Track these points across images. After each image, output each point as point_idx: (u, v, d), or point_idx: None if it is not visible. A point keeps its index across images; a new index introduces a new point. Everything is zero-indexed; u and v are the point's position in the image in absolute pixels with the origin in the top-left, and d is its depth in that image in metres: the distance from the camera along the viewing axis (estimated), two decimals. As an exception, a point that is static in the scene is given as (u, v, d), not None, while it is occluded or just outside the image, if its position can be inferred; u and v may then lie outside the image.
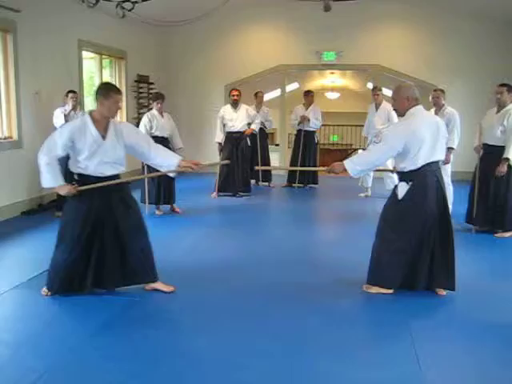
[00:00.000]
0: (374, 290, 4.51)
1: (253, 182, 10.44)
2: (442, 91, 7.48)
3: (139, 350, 3.48)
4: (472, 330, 3.83)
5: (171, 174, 4.72)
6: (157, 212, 7.59)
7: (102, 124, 4.24)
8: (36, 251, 5.80)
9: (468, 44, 11.25)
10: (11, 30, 7.29)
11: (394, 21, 11.51)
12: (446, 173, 7.48)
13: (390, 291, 4.46)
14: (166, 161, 4.43)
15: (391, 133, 4.41)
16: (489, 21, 10.93)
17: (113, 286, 4.41)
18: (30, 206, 7.72)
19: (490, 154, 6.49)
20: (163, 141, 7.62)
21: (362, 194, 9.33)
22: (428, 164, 4.28)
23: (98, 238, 4.27)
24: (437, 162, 4.38)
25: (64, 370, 3.21)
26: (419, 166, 4.26)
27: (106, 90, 4.25)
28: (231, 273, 5.07)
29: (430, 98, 7.60)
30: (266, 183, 10.44)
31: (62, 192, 4.23)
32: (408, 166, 4.28)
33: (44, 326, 3.86)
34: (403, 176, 4.36)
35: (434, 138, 4.30)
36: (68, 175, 4.38)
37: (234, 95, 9.03)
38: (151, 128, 7.47)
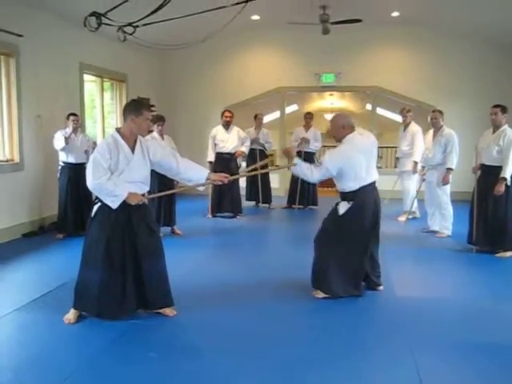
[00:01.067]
0: (321, 294, 4.87)
1: (253, 203, 10.48)
2: (441, 112, 7.55)
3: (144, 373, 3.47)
4: (462, 349, 3.82)
5: (200, 188, 4.67)
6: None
7: (131, 142, 4.16)
8: (37, 273, 5.81)
9: (467, 66, 11.37)
10: (14, 54, 7.38)
11: (393, 43, 11.65)
12: (445, 193, 7.54)
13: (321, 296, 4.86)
14: (196, 174, 4.39)
15: (329, 157, 4.73)
16: (488, 43, 11.06)
17: (132, 311, 4.29)
18: (30, 228, 7.73)
19: (488, 174, 6.53)
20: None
21: (403, 218, 8.87)
22: (365, 186, 4.72)
23: (121, 259, 4.16)
24: (373, 183, 4.83)
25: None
26: (358, 187, 4.69)
27: (138, 107, 4.17)
28: (233, 294, 5.06)
29: (429, 118, 7.67)
30: (267, 205, 10.46)
31: (134, 200, 4.08)
32: (347, 187, 4.72)
33: (46, 349, 3.82)
34: (344, 196, 4.80)
35: (368, 161, 4.76)
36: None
37: (226, 116, 9.14)
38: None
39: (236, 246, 7.24)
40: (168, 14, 7.08)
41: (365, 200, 4.74)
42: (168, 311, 4.41)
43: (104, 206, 4.10)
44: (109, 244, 4.12)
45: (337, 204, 4.87)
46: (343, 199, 4.81)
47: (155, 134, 7.63)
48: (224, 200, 9.14)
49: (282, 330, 4.22)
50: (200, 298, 4.92)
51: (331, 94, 16.26)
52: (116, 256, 4.14)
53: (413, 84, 11.55)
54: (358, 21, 9.09)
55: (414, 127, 8.69)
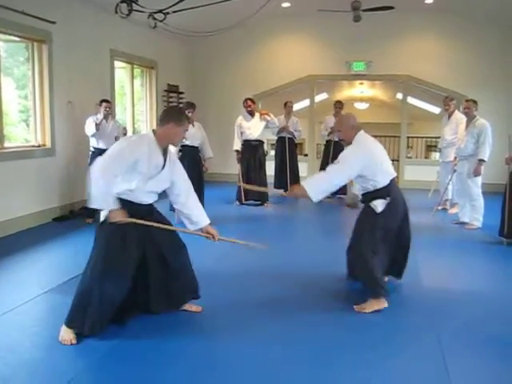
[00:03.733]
0: (369, 308, 4.38)
1: (281, 191, 10.46)
2: (474, 102, 7.37)
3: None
4: (493, 344, 3.76)
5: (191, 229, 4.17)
6: (185, 220, 7.62)
7: (162, 149, 3.87)
8: (67, 256, 5.92)
9: (499, 54, 11.10)
10: (46, 41, 7.48)
11: (425, 31, 11.44)
12: (477, 184, 7.41)
13: (386, 304, 4.40)
14: (200, 216, 4.11)
15: (351, 155, 4.42)
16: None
17: (158, 309, 4.10)
18: (61, 213, 7.86)
19: None
20: (193, 150, 7.72)
21: (439, 207, 8.66)
22: (393, 179, 4.53)
23: (140, 261, 3.91)
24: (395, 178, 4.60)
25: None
26: (389, 181, 4.46)
27: (181, 116, 3.92)
28: (256, 282, 5.09)
29: (461, 108, 7.50)
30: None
31: (117, 219, 3.67)
32: (380, 183, 4.43)
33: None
34: (378, 193, 4.45)
35: (386, 156, 4.58)
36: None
37: (248, 106, 9.10)
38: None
39: (263, 234, 7.25)
40: (198, 0, 7.09)
41: (397, 194, 4.53)
42: (194, 308, 4.28)
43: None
44: (124, 249, 3.79)
45: (367, 204, 4.53)
46: (377, 197, 4.45)
47: (185, 121, 7.64)
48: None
49: (307, 319, 4.23)
50: (228, 286, 4.95)
51: (361, 83, 16.09)
52: (135, 258, 3.87)
53: (445, 73, 11.33)
54: (390, 8, 8.96)
55: (458, 115, 8.39)
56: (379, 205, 4.43)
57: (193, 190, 4.19)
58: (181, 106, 10.73)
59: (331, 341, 3.81)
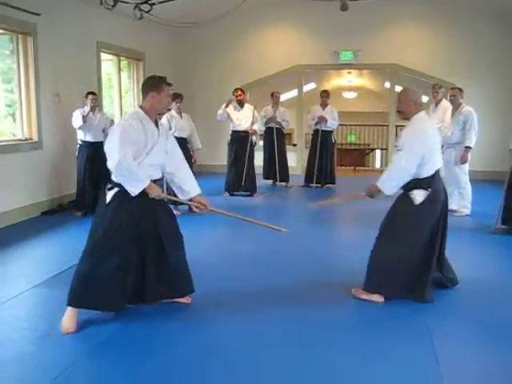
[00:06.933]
0: (365, 296, 4.35)
1: (270, 182, 10.49)
2: (460, 90, 7.43)
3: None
4: (481, 331, 3.81)
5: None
6: (175, 212, 7.57)
7: (154, 121, 3.96)
8: (56, 250, 5.90)
9: (486, 43, 11.14)
10: (31, 33, 7.41)
11: (412, 20, 11.45)
12: (464, 171, 7.46)
13: (382, 300, 4.31)
14: (192, 185, 4.16)
15: (415, 139, 4.18)
16: (509, 20, 10.82)
17: (153, 299, 4.09)
18: (50, 206, 7.83)
19: None
20: (182, 141, 7.68)
21: None
22: (438, 170, 4.30)
23: (140, 247, 3.91)
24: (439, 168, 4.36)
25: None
26: (434, 171, 4.25)
27: (159, 83, 3.98)
28: (247, 272, 5.11)
29: (448, 96, 7.55)
30: (284, 183, 10.46)
31: (155, 192, 3.80)
32: (425, 172, 4.21)
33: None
34: (419, 183, 4.22)
35: (438, 145, 4.39)
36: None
37: (238, 95, 9.10)
38: (170, 129, 7.46)
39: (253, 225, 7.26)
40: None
41: (439, 186, 4.30)
42: (183, 300, 4.27)
43: (123, 193, 3.76)
44: (129, 230, 3.82)
45: (405, 194, 4.31)
46: (417, 187, 4.22)
47: (173, 112, 7.63)
48: (240, 179, 9.15)
49: (295, 310, 4.26)
50: (217, 277, 4.97)
51: (349, 72, 16.09)
52: (137, 243, 3.88)
53: (432, 61, 11.37)
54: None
55: (445, 103, 8.40)
56: (419, 195, 4.21)
57: (185, 161, 4.25)
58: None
59: (320, 326, 3.85)
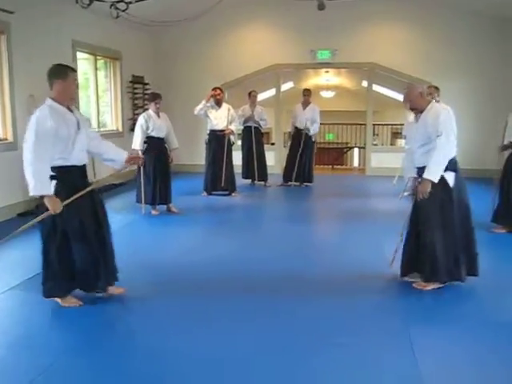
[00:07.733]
0: (431, 286, 4.48)
1: (249, 181, 10.47)
2: (437, 88, 7.48)
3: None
4: (461, 328, 3.82)
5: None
6: (153, 212, 7.57)
7: (67, 108, 4.06)
8: (32, 252, 5.80)
9: (463, 41, 11.27)
10: (5, 32, 7.29)
11: (389, 18, 11.54)
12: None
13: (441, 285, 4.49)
14: (118, 154, 4.35)
15: (449, 122, 4.36)
16: (485, 18, 10.96)
17: (104, 286, 4.25)
18: (26, 208, 7.70)
19: None
20: (159, 141, 7.64)
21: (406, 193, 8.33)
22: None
23: (93, 231, 4.14)
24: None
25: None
26: (455, 154, 4.42)
27: (63, 70, 4.03)
28: (229, 272, 5.08)
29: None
30: (262, 182, 10.45)
31: (53, 205, 4.06)
32: (452, 152, 4.39)
33: (38, 327, 3.88)
34: (449, 164, 4.36)
35: None
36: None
37: (216, 94, 9.07)
38: (147, 128, 7.41)
39: (232, 224, 7.26)
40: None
41: (459, 168, 4.47)
42: (118, 290, 4.36)
43: (64, 181, 4.00)
44: (82, 216, 4.09)
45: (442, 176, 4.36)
46: (448, 169, 4.36)
47: (151, 111, 7.57)
48: (218, 178, 9.12)
49: (272, 305, 4.25)
50: (192, 276, 4.95)
51: (327, 71, 16.15)
52: (89, 228, 4.10)
53: (409, 60, 11.47)
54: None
55: None
56: (449, 178, 4.36)
57: (100, 136, 4.52)
58: (146, 97, 10.69)
59: (290, 324, 3.85)
